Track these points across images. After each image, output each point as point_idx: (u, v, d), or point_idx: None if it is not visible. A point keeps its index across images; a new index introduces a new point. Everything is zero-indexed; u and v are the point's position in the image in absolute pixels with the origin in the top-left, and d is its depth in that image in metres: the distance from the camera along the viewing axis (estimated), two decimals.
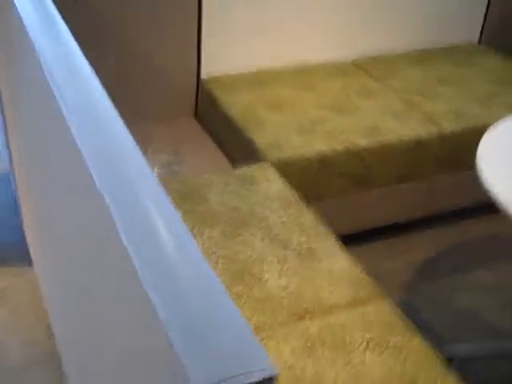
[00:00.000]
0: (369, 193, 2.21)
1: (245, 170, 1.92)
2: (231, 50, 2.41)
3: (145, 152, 0.85)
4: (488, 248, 2.40)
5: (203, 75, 2.39)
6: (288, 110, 2.23)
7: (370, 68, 2.58)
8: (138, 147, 0.87)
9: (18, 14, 1.20)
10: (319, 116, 2.21)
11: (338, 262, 1.59)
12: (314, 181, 2.08)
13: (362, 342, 1.34)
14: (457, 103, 2.37)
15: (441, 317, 2.07)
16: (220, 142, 2.26)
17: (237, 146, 2.16)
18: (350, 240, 2.15)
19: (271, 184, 1.86)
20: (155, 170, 1.99)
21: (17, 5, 1.23)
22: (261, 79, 2.41)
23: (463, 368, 1.81)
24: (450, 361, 1.81)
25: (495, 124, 1.76)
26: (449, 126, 2.25)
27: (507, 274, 2.27)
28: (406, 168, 2.23)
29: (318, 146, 2.06)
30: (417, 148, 2.20)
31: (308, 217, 1.74)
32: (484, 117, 2.31)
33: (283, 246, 1.63)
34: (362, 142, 2.11)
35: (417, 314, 2.06)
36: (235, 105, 2.24)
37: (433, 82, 2.51)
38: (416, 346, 1.35)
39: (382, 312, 1.44)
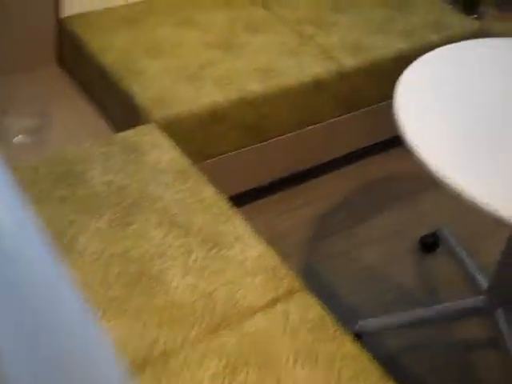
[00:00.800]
0: (264, 144, 1.99)
1: (127, 135, 1.63)
2: None
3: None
4: (389, 190, 2.29)
5: (64, 12, 2.00)
6: (170, 52, 1.92)
7: None
8: None
9: None
10: (207, 58, 1.93)
11: (249, 248, 1.38)
12: (204, 137, 1.83)
13: (289, 355, 1.17)
14: (353, 33, 2.16)
15: (343, 278, 1.95)
16: (93, 98, 1.92)
17: (114, 103, 1.85)
18: (240, 198, 1.95)
19: (160, 151, 1.59)
20: (14, 139, 1.65)
21: None
22: (133, 15, 2.06)
23: (371, 341, 1.72)
24: (359, 337, 1.71)
25: (418, 59, 1.57)
26: (347, 61, 2.05)
27: (408, 216, 2.18)
28: (304, 112, 2.02)
29: (208, 96, 1.80)
30: (316, 89, 1.99)
31: (208, 190, 1.51)
32: (382, 47, 2.13)
33: (185, 233, 1.40)
34: (257, 87, 1.87)
35: (318, 278, 1.93)
36: (107, 49, 1.89)
37: (325, 9, 2.28)
38: (348, 351, 1.19)
39: (306, 310, 1.26)
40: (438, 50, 1.63)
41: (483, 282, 1.75)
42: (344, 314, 1.79)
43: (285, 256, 1.88)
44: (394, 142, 2.48)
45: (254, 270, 1.33)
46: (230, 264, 1.34)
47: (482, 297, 1.70)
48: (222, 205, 1.48)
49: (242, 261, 1.35)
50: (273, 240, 1.83)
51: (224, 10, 2.16)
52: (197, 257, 1.35)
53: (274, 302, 1.27)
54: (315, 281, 1.89)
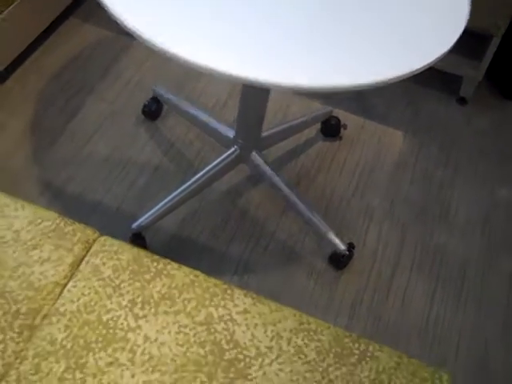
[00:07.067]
0: None
1: None
2: None
3: None
4: (91, 66, 2.07)
5: None
6: None
7: None
8: None
9: None
10: None
11: (13, 219, 1.15)
12: None
13: (127, 312, 1.05)
14: None
15: (89, 182, 1.79)
16: None
17: None
18: None
19: None
20: None
21: None
22: None
23: (153, 232, 1.65)
24: (139, 236, 1.62)
25: None
26: None
27: (118, 89, 2.03)
28: None
29: None
30: None
31: None
32: None
33: None
34: None
35: (63, 192, 1.74)
36: None
37: None
38: (176, 272, 1.11)
39: (114, 254, 1.13)
40: None
41: (228, 132, 1.75)
42: (111, 221, 1.67)
43: (16, 182, 1.65)
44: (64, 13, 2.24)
45: (36, 241, 1.12)
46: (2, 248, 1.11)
47: (233, 147, 1.71)
48: None
49: (15, 238, 1.12)
50: None
51: None
52: None
53: (77, 263, 1.10)
54: (62, 197, 1.70)
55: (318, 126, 2.01)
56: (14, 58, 1.95)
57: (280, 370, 1.02)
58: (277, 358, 1.03)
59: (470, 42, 2.14)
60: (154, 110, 1.94)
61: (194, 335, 1.04)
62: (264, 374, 1.01)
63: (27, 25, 1.94)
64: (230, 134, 1.74)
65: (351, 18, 1.19)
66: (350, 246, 1.67)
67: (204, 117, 1.83)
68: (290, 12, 1.17)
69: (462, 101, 2.18)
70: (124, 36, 2.18)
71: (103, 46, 2.15)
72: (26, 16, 1.91)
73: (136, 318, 1.05)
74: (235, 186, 1.82)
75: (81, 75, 2.04)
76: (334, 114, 2.00)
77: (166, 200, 1.64)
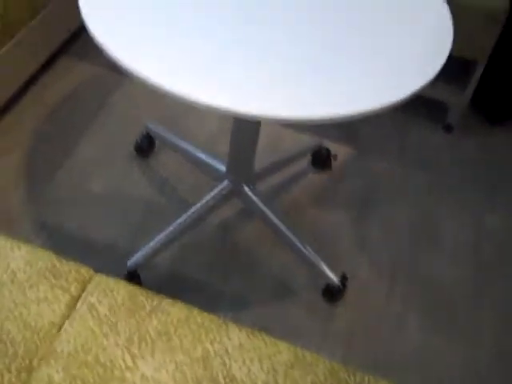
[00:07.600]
0: None
1: None
2: None
3: None
4: (82, 105, 2.10)
5: None
6: None
7: None
8: None
9: None
10: None
11: (11, 260, 1.16)
12: None
13: (124, 353, 1.05)
14: None
15: (85, 222, 1.81)
16: None
17: None
18: None
19: None
20: None
21: None
22: None
23: (148, 270, 1.66)
24: (134, 274, 1.63)
25: None
26: None
27: (112, 127, 2.05)
28: None
29: None
30: None
31: None
32: None
33: None
34: None
35: (60, 232, 1.76)
36: None
37: None
38: (171, 308, 1.13)
39: (109, 293, 1.14)
40: None
41: (220, 167, 1.77)
42: (105, 258, 1.68)
43: (11, 221, 1.66)
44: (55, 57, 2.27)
45: (32, 281, 1.13)
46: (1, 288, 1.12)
47: (225, 181, 1.73)
48: None
49: (12, 279, 1.13)
50: None
51: None
52: None
53: (73, 303, 1.12)
54: (57, 236, 1.72)
55: (309, 157, 2.04)
56: (8, 97, 1.98)
57: None
58: None
59: (454, 68, 2.19)
60: (146, 146, 1.97)
61: (191, 372, 1.05)
62: None
63: (21, 65, 1.97)
64: (222, 168, 1.76)
65: (334, 49, 1.22)
66: (343, 279, 1.68)
67: (196, 152, 1.86)
68: (278, 42, 1.20)
69: (449, 128, 2.22)
70: (116, 73, 2.21)
71: (97, 82, 2.18)
72: (20, 56, 1.94)
73: (133, 356, 1.06)
74: (228, 220, 1.84)
75: (75, 112, 2.06)
76: (323, 145, 2.03)
77: (159, 237, 1.66)
